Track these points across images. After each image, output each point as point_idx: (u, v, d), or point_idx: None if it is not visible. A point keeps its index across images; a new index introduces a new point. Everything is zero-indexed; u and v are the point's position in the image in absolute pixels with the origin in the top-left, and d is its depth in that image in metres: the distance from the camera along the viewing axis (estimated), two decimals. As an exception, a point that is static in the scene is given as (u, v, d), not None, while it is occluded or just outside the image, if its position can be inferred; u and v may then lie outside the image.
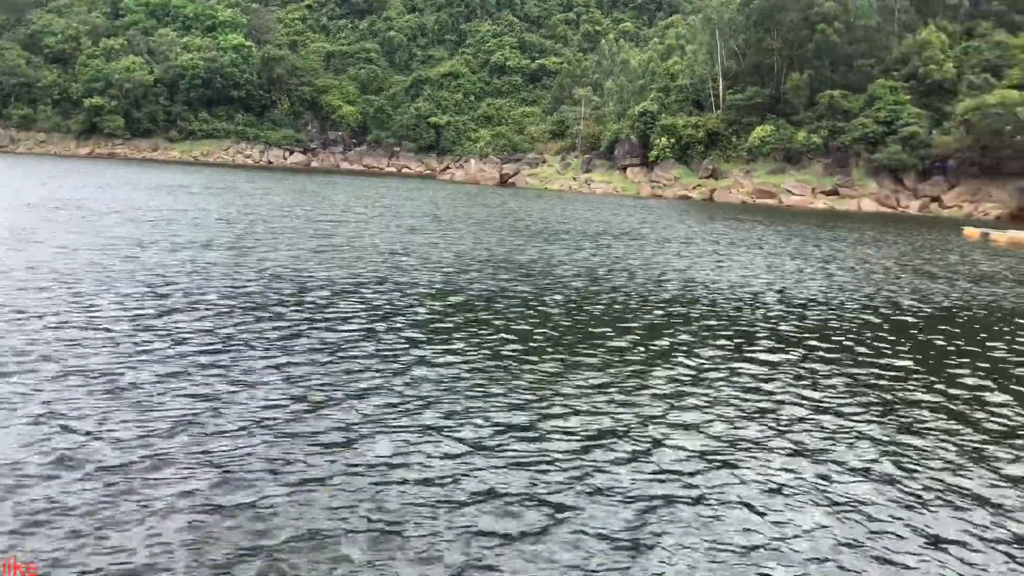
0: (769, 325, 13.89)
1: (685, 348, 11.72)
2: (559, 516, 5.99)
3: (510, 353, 10.76)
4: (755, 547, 5.72)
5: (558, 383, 9.44)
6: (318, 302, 13.49)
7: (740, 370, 10.60)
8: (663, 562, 5.42)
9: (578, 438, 7.65)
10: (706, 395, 9.34)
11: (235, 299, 13.28)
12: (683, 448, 7.58)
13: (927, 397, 9.85)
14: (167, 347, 9.98)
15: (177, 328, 11.01)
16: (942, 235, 39.13)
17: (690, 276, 19.38)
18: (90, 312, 11.60)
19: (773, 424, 8.43)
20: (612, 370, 10.19)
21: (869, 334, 13.61)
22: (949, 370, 11.32)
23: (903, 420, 8.84)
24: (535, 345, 11.36)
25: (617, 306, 14.85)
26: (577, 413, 8.37)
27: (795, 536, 5.93)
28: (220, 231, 23.08)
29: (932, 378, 10.81)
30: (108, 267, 15.55)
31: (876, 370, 11.04)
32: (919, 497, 6.76)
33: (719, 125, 73.29)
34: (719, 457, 7.41)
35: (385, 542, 5.42)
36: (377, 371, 9.47)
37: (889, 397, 9.73)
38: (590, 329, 12.73)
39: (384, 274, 16.92)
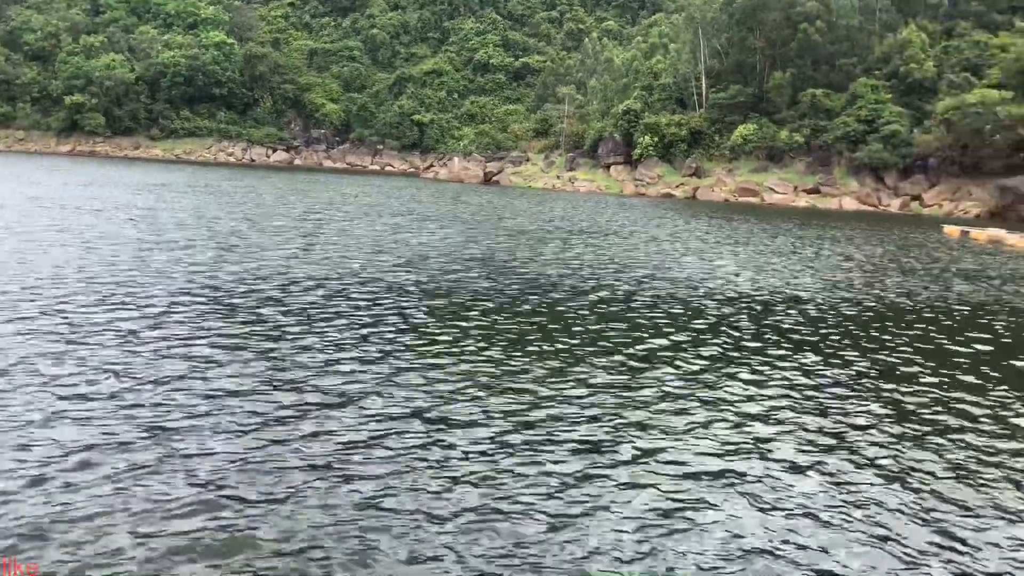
0: (765, 323, 13.99)
1: (673, 345, 11.79)
2: (558, 523, 6.03)
3: (497, 354, 10.79)
4: (761, 548, 5.79)
5: (549, 383, 9.48)
6: (303, 302, 13.46)
7: (736, 369, 10.68)
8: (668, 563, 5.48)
9: (572, 440, 7.69)
10: (706, 395, 9.41)
11: (219, 299, 13.23)
12: (683, 448, 7.64)
13: (926, 394, 9.97)
14: (150, 348, 9.94)
15: (160, 328, 10.96)
16: (923, 233, 39.49)
17: (675, 274, 19.47)
18: (66, 314, 11.53)
19: (773, 424, 8.52)
20: (606, 370, 10.24)
21: (861, 330, 13.75)
22: (940, 365, 11.46)
23: (901, 418, 8.94)
24: (523, 345, 11.39)
25: (602, 305, 14.90)
26: (570, 414, 8.42)
27: (798, 534, 6.01)
28: (203, 230, 22.96)
29: (929, 374, 10.94)
30: (88, 266, 15.45)
31: (873, 367, 11.16)
32: (927, 494, 6.86)
33: (702, 124, 73.55)
34: (718, 457, 7.48)
35: (369, 551, 5.44)
36: (362, 373, 9.48)
37: (887, 396, 9.85)
38: (577, 328, 12.78)
39: (369, 274, 16.90)
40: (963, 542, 6.03)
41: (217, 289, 14.01)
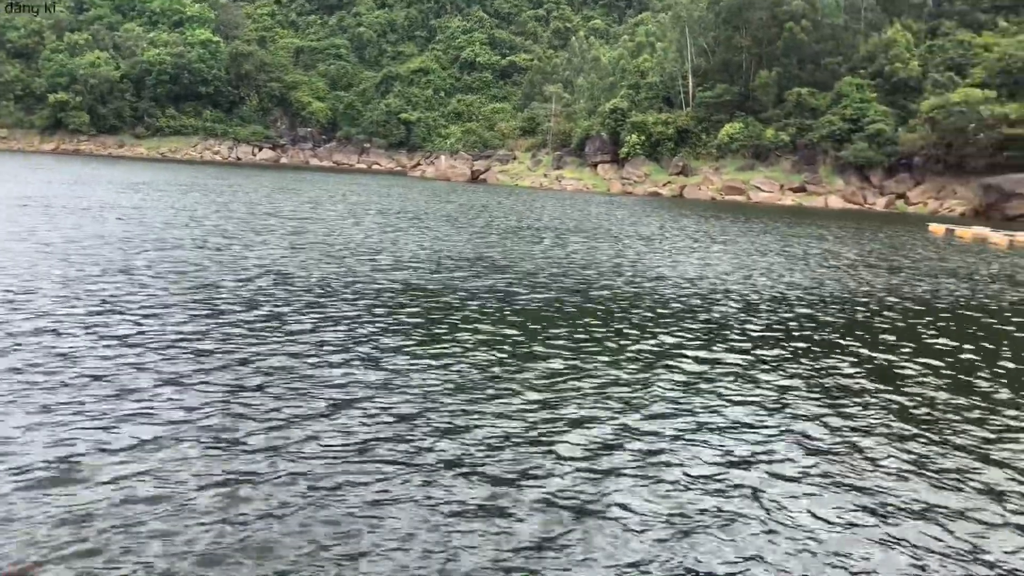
0: (757, 322, 14.00)
1: (665, 345, 11.79)
2: (555, 525, 6.00)
3: (487, 355, 10.75)
4: (762, 547, 5.78)
5: (541, 384, 9.45)
6: (290, 301, 13.38)
7: (728, 368, 10.68)
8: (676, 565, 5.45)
9: (566, 442, 7.66)
10: (701, 394, 9.40)
11: (208, 299, 13.13)
12: (681, 448, 7.62)
13: (917, 391, 10.00)
14: (134, 351, 9.85)
15: (144, 327, 10.87)
16: (909, 231, 39.73)
17: (666, 272, 19.48)
18: (54, 314, 11.41)
19: (771, 422, 8.52)
20: (599, 371, 10.22)
21: (851, 328, 13.79)
22: (930, 362, 11.50)
23: (893, 415, 8.96)
24: (513, 345, 11.35)
25: (592, 305, 14.89)
26: (568, 414, 8.39)
27: (803, 531, 5.99)
28: (190, 229, 22.80)
29: (919, 371, 10.98)
30: (76, 265, 15.31)
31: (864, 364, 11.19)
32: (927, 493, 6.86)
33: (689, 122, 73.84)
34: (715, 457, 7.47)
35: (365, 554, 5.39)
36: (348, 372, 9.42)
37: (880, 395, 9.87)
38: (569, 328, 12.75)
39: (359, 273, 16.82)
40: (963, 542, 6.03)
41: (203, 288, 13.89)
